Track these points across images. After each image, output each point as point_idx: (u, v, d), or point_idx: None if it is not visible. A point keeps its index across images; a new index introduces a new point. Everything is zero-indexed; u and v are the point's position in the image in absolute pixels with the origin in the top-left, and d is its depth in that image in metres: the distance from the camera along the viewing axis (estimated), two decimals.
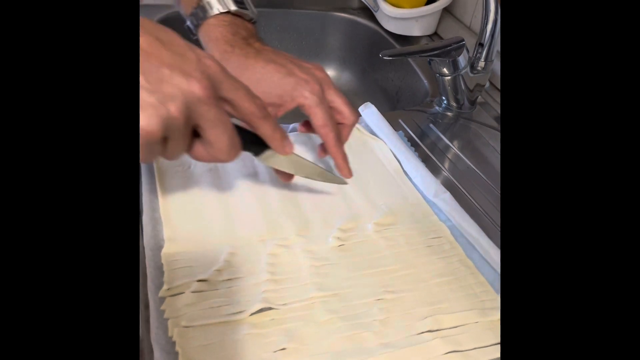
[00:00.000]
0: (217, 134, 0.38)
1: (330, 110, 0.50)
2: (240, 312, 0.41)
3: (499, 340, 0.42)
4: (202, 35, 0.56)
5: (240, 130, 0.41)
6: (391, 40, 0.92)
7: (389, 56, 0.65)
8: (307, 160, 0.49)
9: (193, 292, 0.42)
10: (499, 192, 0.60)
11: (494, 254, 0.49)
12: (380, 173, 0.59)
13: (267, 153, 0.45)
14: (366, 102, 0.68)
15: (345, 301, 0.43)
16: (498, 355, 0.41)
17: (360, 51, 0.98)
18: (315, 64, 0.53)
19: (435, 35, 0.94)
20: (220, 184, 0.53)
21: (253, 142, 0.44)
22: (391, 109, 0.89)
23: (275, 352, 0.39)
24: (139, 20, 0.34)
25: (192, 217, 0.49)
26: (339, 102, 0.51)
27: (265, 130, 0.42)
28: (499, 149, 0.68)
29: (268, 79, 0.50)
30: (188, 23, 0.57)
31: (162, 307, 0.40)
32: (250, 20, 0.57)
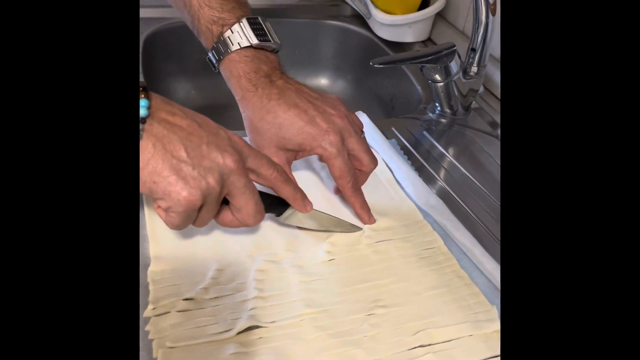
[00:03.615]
0: (246, 200, 0.42)
1: (349, 160, 0.51)
2: (227, 331, 0.40)
3: (493, 353, 0.41)
4: (224, 70, 0.55)
5: (262, 195, 0.45)
6: (384, 47, 0.91)
7: (380, 64, 0.65)
8: (325, 214, 0.51)
9: (179, 311, 0.41)
10: (495, 199, 0.59)
11: (488, 264, 0.48)
12: (372, 183, 0.58)
13: (288, 212, 0.49)
14: (362, 109, 0.67)
15: (335, 317, 0.42)
16: None
17: (354, 59, 0.97)
18: (336, 106, 0.53)
19: (428, 40, 0.93)
20: None
21: (275, 204, 0.48)
22: (386, 116, 0.88)
23: None
24: (171, 103, 0.40)
25: (179, 234, 0.48)
26: (358, 150, 0.52)
27: (287, 192, 0.47)
28: (494, 155, 0.67)
29: (289, 126, 0.51)
30: (210, 56, 0.56)
31: (147, 328, 0.39)
32: (272, 51, 0.56)
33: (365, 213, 0.52)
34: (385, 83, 0.91)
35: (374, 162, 0.53)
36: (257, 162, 0.44)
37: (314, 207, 0.49)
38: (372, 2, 0.89)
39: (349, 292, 0.45)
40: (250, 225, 0.44)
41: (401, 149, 0.65)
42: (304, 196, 0.48)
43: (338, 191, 0.56)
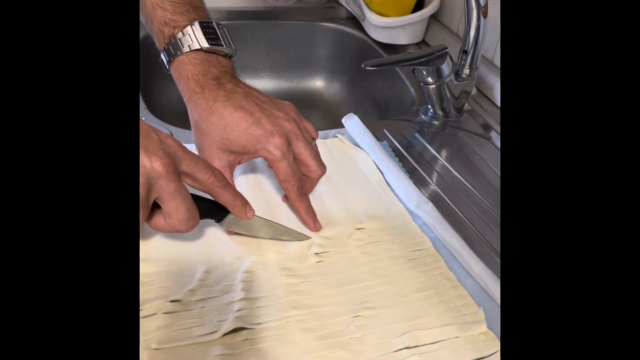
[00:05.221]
0: (176, 205, 0.41)
1: (294, 164, 0.50)
2: (213, 332, 0.40)
3: (479, 355, 0.41)
4: (174, 71, 0.54)
5: (202, 199, 0.44)
6: (379, 49, 0.91)
7: (371, 66, 0.65)
8: (270, 221, 0.49)
9: (165, 313, 0.41)
10: (486, 202, 0.59)
11: (476, 267, 0.48)
12: (362, 185, 0.58)
13: (228, 219, 0.47)
14: (356, 111, 0.68)
15: (322, 319, 0.42)
16: None
17: (349, 61, 0.98)
18: (286, 110, 0.52)
19: (423, 42, 0.94)
20: None
21: (213, 210, 0.46)
22: (381, 118, 0.88)
23: None
24: None
25: (167, 236, 0.48)
26: (305, 155, 0.51)
27: (225, 198, 0.45)
28: (486, 157, 0.67)
29: (234, 127, 0.50)
30: (161, 57, 0.55)
31: None
32: (226, 56, 0.55)
33: (310, 219, 0.51)
34: (379, 85, 0.91)
35: (322, 168, 0.52)
36: (193, 166, 0.42)
37: (258, 214, 0.48)
38: (367, 4, 0.89)
39: (336, 294, 0.45)
40: (182, 232, 0.43)
41: (393, 151, 0.65)
42: (245, 202, 0.46)
43: (285, 199, 0.54)
